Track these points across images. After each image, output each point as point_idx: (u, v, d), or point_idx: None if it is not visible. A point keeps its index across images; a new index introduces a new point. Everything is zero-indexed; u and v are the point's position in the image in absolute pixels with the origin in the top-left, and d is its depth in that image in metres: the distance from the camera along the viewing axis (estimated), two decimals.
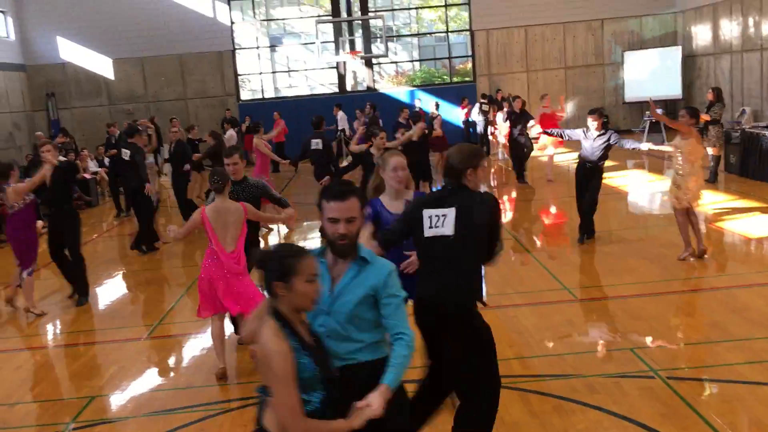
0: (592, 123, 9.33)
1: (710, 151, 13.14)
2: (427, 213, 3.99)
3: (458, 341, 3.92)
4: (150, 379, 6.27)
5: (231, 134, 16.12)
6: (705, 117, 12.84)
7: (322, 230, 3.18)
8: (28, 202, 8.11)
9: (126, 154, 11.17)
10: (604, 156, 9.39)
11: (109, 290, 9.72)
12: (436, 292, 3.94)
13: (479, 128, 20.27)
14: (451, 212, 3.93)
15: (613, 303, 7.27)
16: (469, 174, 4.03)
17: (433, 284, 3.97)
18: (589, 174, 9.45)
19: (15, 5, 22.91)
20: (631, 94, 23.58)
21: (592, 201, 9.46)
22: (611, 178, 14.84)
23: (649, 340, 6.13)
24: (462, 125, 22.04)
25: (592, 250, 9.39)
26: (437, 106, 18.42)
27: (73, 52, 23.53)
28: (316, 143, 11.16)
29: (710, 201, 11.77)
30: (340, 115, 21.05)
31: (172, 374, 6.50)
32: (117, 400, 5.87)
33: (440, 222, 3.95)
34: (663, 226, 10.54)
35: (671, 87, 22.59)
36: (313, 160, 11.34)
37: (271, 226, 11.92)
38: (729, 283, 7.71)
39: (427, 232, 3.97)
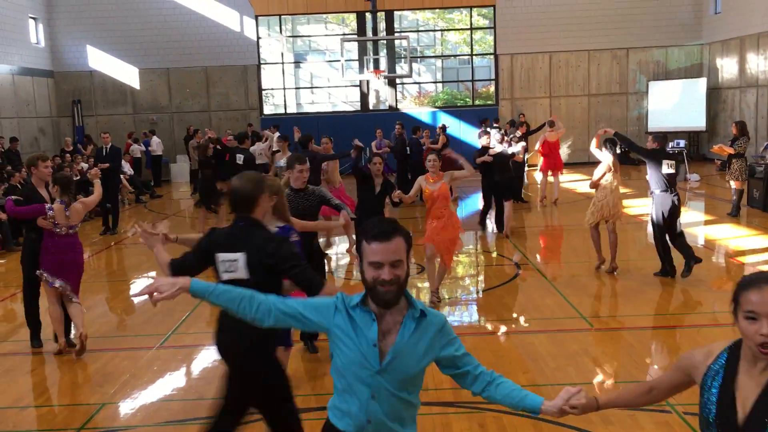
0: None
1: (733, 184, 13.03)
2: (219, 257, 3.85)
3: (245, 386, 3.97)
4: (161, 389, 6.26)
5: (254, 149, 16.27)
6: (729, 150, 12.75)
7: (362, 274, 2.73)
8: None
9: (240, 158, 12.27)
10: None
11: (125, 297, 9.75)
12: (228, 337, 3.93)
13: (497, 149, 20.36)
14: (242, 257, 3.80)
15: (629, 334, 7.18)
16: (262, 201, 3.95)
17: (230, 327, 3.86)
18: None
19: (47, 13, 23.30)
20: (655, 124, 23.45)
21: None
22: (632, 208, 14.74)
23: None
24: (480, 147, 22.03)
25: (610, 280, 9.29)
26: (444, 128, 18.49)
27: (100, 61, 23.86)
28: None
29: (732, 235, 11.65)
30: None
31: (183, 385, 6.48)
32: (127, 408, 5.86)
33: (233, 267, 3.83)
34: (683, 258, 10.42)
35: (695, 118, 22.47)
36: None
37: (330, 240, 12.13)
38: None
39: (223, 276, 3.84)
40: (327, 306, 2.78)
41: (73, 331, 7.27)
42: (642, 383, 2.89)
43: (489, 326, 7.86)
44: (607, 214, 9.23)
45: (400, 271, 2.64)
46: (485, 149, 12.37)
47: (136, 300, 9.60)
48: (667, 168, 8.77)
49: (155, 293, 2.80)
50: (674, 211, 8.82)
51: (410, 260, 2.94)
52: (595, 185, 9.39)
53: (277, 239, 3.95)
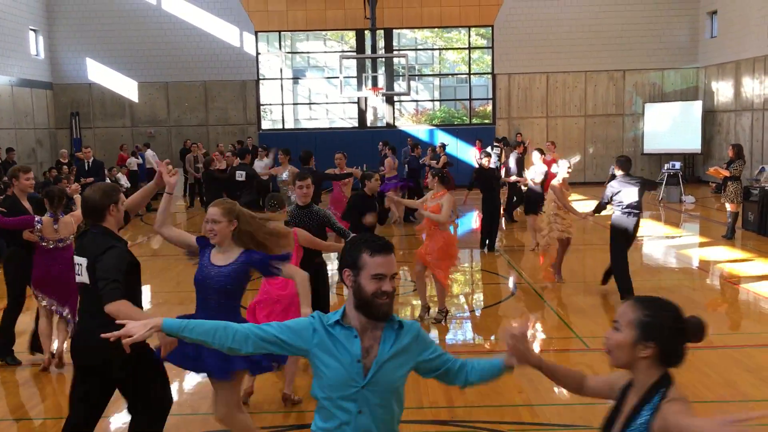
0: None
1: (728, 207, 13.09)
2: (74, 260, 4.19)
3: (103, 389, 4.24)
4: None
5: (260, 165, 16.32)
6: (725, 173, 12.82)
7: (359, 288, 2.72)
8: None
9: (241, 175, 12.36)
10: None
11: None
12: (80, 342, 4.20)
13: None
14: (84, 262, 4.08)
15: None
16: (112, 210, 4.16)
17: (80, 332, 4.25)
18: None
19: (47, 25, 23.40)
20: (650, 145, 23.63)
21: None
22: None
23: None
24: (476, 165, 22.19)
25: (605, 300, 9.30)
26: (444, 147, 18.56)
27: (99, 73, 23.93)
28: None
29: (726, 257, 11.69)
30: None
31: (177, 400, 6.44)
32: (118, 422, 5.82)
33: (80, 270, 4.13)
34: (678, 279, 10.48)
35: (691, 141, 22.62)
36: None
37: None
38: (744, 341, 7.60)
39: (78, 279, 4.17)
40: (304, 327, 2.77)
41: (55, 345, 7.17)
42: (580, 373, 2.98)
43: (484, 345, 7.85)
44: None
45: (395, 284, 2.76)
46: (490, 170, 12.24)
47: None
48: (636, 196, 8.77)
49: (127, 337, 2.77)
50: (633, 232, 8.99)
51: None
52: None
53: (112, 251, 4.01)
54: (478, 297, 10.22)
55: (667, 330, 2.38)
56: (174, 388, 6.69)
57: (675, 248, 12.94)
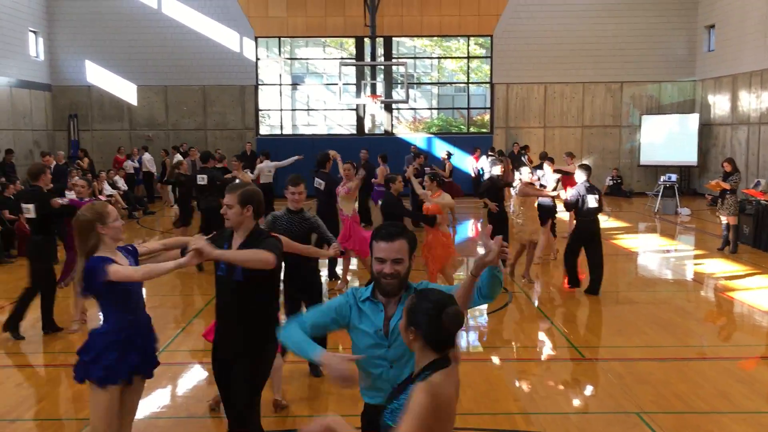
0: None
1: (724, 219, 13.16)
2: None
3: None
4: (150, 406, 6.23)
5: (265, 165, 16.34)
6: (726, 186, 12.89)
7: (371, 271, 3.27)
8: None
9: (202, 179, 12.20)
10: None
11: None
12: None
13: (485, 175, 20.59)
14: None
15: (620, 365, 7.21)
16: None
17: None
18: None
19: (47, 26, 23.42)
20: (647, 157, 23.73)
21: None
22: (622, 239, 14.84)
23: (655, 405, 6.07)
24: (473, 174, 22.41)
25: (601, 310, 9.35)
26: (449, 155, 18.62)
27: (99, 76, 23.94)
28: (318, 183, 10.95)
29: (722, 270, 11.75)
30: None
31: (173, 402, 6.46)
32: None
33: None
34: (672, 291, 10.53)
35: (687, 153, 22.74)
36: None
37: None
38: (738, 353, 7.65)
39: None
40: (342, 305, 3.26)
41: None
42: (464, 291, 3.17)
43: (480, 353, 7.88)
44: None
45: (400, 267, 3.14)
46: (498, 179, 12.18)
47: None
48: (593, 202, 9.71)
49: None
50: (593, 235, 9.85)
51: (413, 259, 3.25)
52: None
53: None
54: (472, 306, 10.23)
55: (426, 317, 2.63)
56: (171, 391, 6.73)
57: (670, 260, 13.00)
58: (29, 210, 8.11)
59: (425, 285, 3.24)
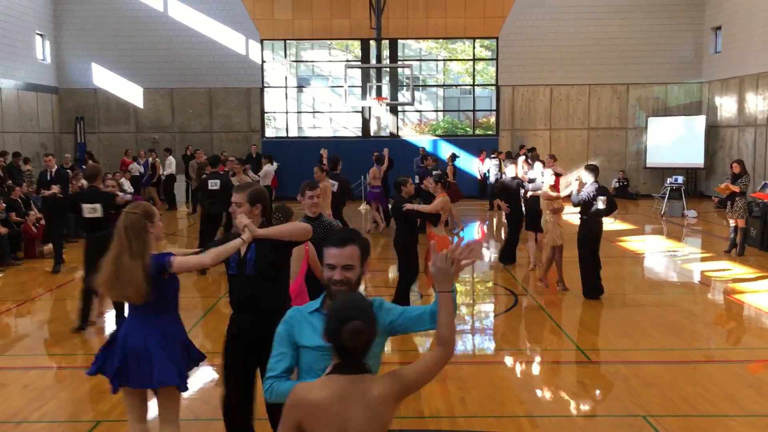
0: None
1: (732, 222, 13.11)
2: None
3: None
4: (155, 409, 6.22)
5: (268, 169, 16.36)
6: (735, 188, 12.82)
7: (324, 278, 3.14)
8: None
9: (214, 183, 11.76)
10: None
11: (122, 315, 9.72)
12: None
13: (491, 178, 20.59)
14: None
15: (626, 368, 7.18)
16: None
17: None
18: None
19: (54, 30, 23.51)
20: (653, 159, 23.67)
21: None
22: (629, 242, 14.80)
23: (662, 408, 6.04)
24: (479, 176, 22.44)
25: (607, 313, 9.31)
26: (454, 157, 18.61)
27: (105, 79, 24.02)
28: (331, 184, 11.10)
29: (729, 272, 11.69)
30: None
31: None
32: (122, 426, 5.83)
33: None
34: (679, 294, 10.49)
35: (694, 155, 22.67)
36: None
37: None
38: (746, 356, 7.61)
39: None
40: (289, 331, 3.08)
41: None
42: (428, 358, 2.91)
43: (486, 356, 7.86)
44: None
45: (350, 273, 3.03)
46: (511, 180, 12.04)
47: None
48: (601, 204, 9.62)
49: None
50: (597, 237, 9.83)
51: (366, 266, 3.14)
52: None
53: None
54: (478, 308, 10.23)
55: (331, 325, 2.64)
56: None
57: (677, 263, 12.95)
58: (96, 209, 8.35)
59: (380, 301, 3.11)
